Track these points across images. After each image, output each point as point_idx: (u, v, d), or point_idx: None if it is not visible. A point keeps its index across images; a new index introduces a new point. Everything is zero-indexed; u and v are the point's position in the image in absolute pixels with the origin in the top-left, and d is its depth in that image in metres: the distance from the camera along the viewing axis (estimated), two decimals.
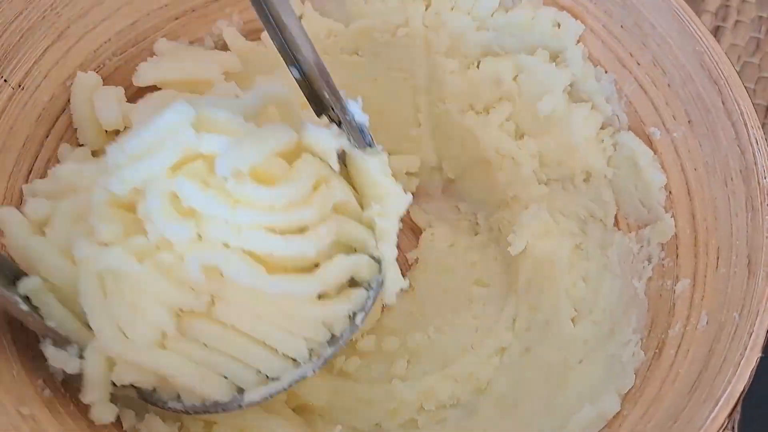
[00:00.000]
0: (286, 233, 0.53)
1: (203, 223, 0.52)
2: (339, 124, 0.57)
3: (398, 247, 0.61)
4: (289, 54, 0.55)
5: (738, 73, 0.62)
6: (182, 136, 0.52)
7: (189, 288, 0.53)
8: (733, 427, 0.75)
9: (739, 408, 0.75)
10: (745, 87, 0.62)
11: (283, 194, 0.53)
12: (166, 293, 0.53)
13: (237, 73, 0.73)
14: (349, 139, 0.58)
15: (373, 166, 0.58)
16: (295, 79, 0.57)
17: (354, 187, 0.60)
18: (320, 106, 0.58)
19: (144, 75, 0.69)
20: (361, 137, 0.58)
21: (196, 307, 0.54)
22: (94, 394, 0.55)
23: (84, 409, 0.59)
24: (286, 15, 0.52)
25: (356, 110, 0.56)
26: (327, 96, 0.56)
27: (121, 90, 0.69)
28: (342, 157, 0.59)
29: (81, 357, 0.55)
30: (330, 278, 0.56)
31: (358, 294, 0.58)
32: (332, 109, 0.57)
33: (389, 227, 0.59)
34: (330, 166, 0.57)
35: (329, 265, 0.56)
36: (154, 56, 0.70)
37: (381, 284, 0.59)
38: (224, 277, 0.53)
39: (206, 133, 0.52)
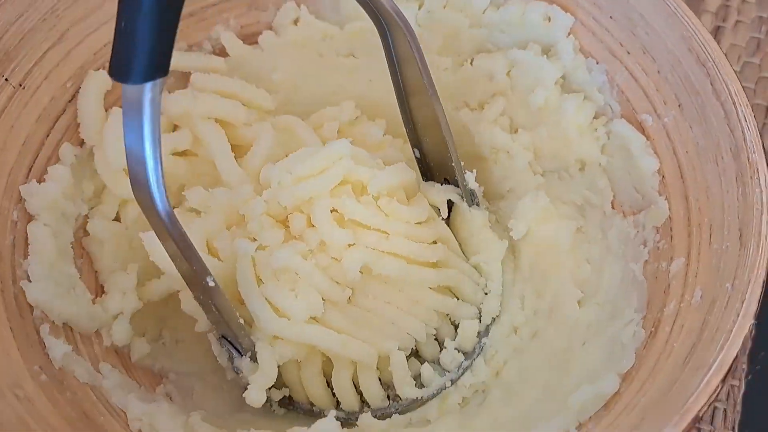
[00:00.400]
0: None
1: (356, 232, 0.66)
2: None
3: None
4: (416, 138, 0.71)
5: (738, 73, 0.62)
6: (344, 165, 0.66)
7: (335, 282, 0.66)
8: (733, 428, 0.75)
9: (739, 407, 0.75)
10: (745, 87, 0.63)
11: (417, 212, 0.69)
12: (321, 284, 0.65)
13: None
14: (462, 197, 0.72)
15: (477, 219, 0.73)
16: (416, 158, 0.73)
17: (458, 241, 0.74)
18: (429, 174, 0.73)
19: (199, 82, 0.73)
20: (471, 198, 0.73)
21: (340, 298, 0.66)
22: (264, 378, 0.64)
23: (81, 397, 0.59)
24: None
25: (471, 179, 0.72)
26: (453, 167, 0.71)
27: None
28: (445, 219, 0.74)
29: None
30: (447, 275, 0.70)
31: (463, 306, 0.72)
32: (447, 176, 0.73)
33: (494, 269, 0.73)
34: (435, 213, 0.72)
35: (446, 269, 0.70)
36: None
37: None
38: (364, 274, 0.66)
39: (358, 165, 0.67)
